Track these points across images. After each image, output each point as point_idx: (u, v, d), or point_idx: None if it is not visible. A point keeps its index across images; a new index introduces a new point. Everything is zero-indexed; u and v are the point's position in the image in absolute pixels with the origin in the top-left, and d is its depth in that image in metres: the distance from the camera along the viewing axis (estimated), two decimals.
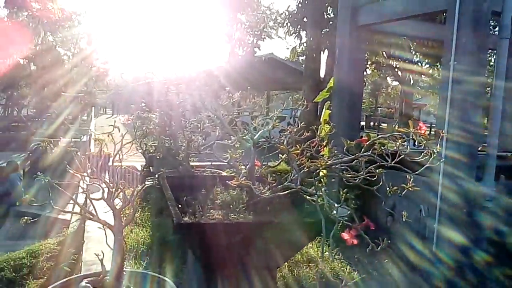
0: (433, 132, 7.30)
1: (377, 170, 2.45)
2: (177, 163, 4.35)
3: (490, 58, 14.58)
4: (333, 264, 4.74)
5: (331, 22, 15.07)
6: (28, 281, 4.46)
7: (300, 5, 16.75)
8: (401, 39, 14.17)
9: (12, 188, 8.87)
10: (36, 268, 4.69)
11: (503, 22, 5.30)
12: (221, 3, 23.13)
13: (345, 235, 2.23)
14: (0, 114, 22.11)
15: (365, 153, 2.49)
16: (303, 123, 2.91)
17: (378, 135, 5.43)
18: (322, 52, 14.86)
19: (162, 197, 3.03)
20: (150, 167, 6.39)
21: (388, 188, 2.33)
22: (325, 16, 15.37)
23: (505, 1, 5.23)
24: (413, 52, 18.55)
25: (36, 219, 5.95)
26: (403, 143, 2.44)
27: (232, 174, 3.32)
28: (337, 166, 2.64)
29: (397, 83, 28.63)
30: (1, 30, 16.17)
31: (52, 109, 20.66)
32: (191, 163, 4.67)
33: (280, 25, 21.08)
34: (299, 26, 17.44)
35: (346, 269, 4.77)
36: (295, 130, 2.80)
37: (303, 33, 17.44)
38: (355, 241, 2.21)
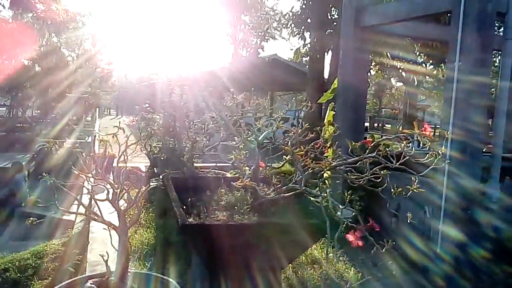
0: (438, 133, 7.27)
1: (382, 172, 2.45)
2: (181, 164, 4.34)
3: (494, 59, 14.52)
4: (337, 265, 4.73)
5: (335, 23, 15.06)
6: (33, 282, 4.48)
7: (304, 6, 16.77)
8: (405, 40, 14.14)
9: (17, 189, 8.91)
10: (41, 268, 4.71)
11: (508, 23, 5.29)
12: (225, 4, 23.18)
13: (350, 237, 2.23)
14: (5, 115, 22.22)
15: (370, 155, 2.49)
16: (307, 124, 2.91)
17: (382, 136, 5.41)
18: (326, 53, 14.87)
19: (167, 198, 3.04)
20: (155, 168, 6.39)
21: (392, 190, 2.32)
22: (329, 17, 15.37)
23: (510, 2, 5.22)
24: (417, 53, 18.50)
25: (41, 220, 6.01)
26: (408, 144, 2.43)
27: (237, 175, 3.31)
28: (341, 168, 2.64)
29: (401, 84, 28.60)
30: (6, 31, 16.24)
31: (56, 110, 20.77)
32: (195, 164, 4.67)
33: (284, 26, 21.14)
34: (303, 27, 17.45)
35: (351, 270, 4.76)
36: (299, 131, 2.79)
37: (307, 34, 17.46)
38: (360, 243, 2.21)
